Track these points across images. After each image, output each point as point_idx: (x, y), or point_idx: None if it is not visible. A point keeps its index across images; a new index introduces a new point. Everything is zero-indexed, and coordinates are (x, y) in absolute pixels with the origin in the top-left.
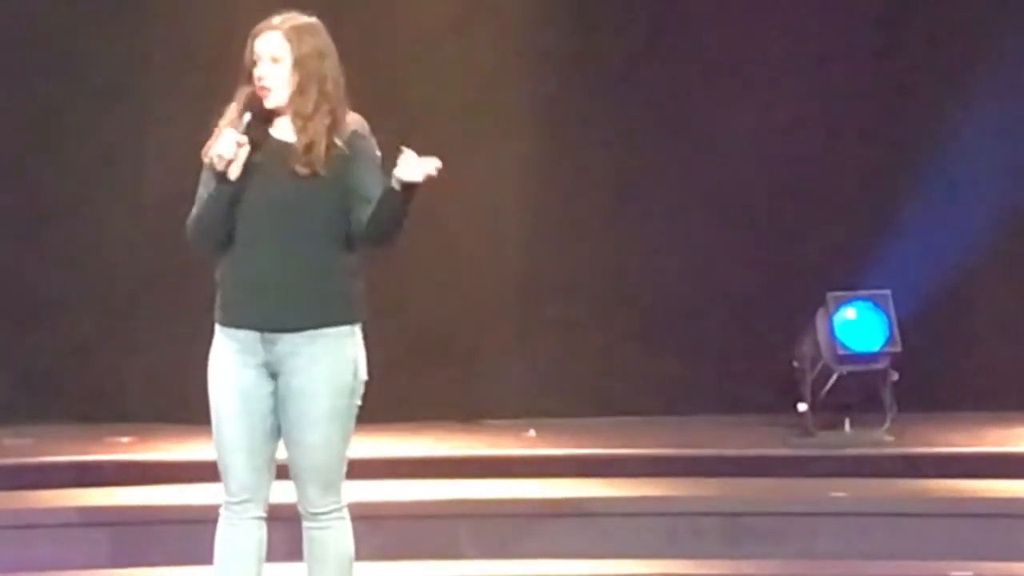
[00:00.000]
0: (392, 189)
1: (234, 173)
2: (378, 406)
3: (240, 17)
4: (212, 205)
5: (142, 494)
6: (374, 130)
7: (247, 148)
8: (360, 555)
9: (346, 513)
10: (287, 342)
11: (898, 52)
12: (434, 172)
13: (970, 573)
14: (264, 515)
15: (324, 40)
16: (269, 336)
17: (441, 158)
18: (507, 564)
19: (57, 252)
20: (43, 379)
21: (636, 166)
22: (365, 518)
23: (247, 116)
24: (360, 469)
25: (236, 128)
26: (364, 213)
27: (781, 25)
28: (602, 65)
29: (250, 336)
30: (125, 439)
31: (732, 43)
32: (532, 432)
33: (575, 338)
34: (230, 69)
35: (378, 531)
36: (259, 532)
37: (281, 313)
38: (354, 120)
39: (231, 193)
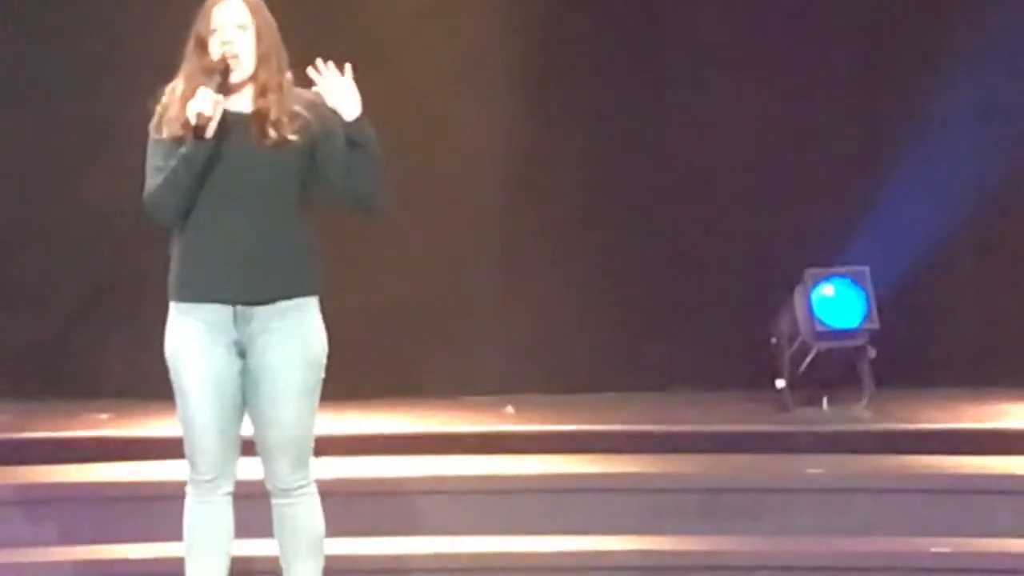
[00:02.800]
0: (349, 130)
1: (210, 132)
2: (355, 382)
3: None
4: (184, 169)
5: (120, 470)
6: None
7: (223, 106)
8: (334, 531)
9: (315, 488)
10: (260, 318)
11: (877, 31)
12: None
13: (948, 549)
14: (232, 491)
15: (268, 9)
16: (242, 311)
17: (422, 130)
18: (483, 541)
19: (34, 228)
20: (21, 355)
21: (616, 142)
22: (340, 494)
23: (218, 77)
24: (336, 445)
25: (209, 87)
26: (339, 176)
27: (761, 5)
28: (583, 39)
29: (220, 312)
30: (103, 415)
31: (714, 20)
32: (510, 408)
33: (554, 314)
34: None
35: (353, 508)
36: (229, 508)
37: (255, 285)
38: (312, 92)
39: (207, 152)
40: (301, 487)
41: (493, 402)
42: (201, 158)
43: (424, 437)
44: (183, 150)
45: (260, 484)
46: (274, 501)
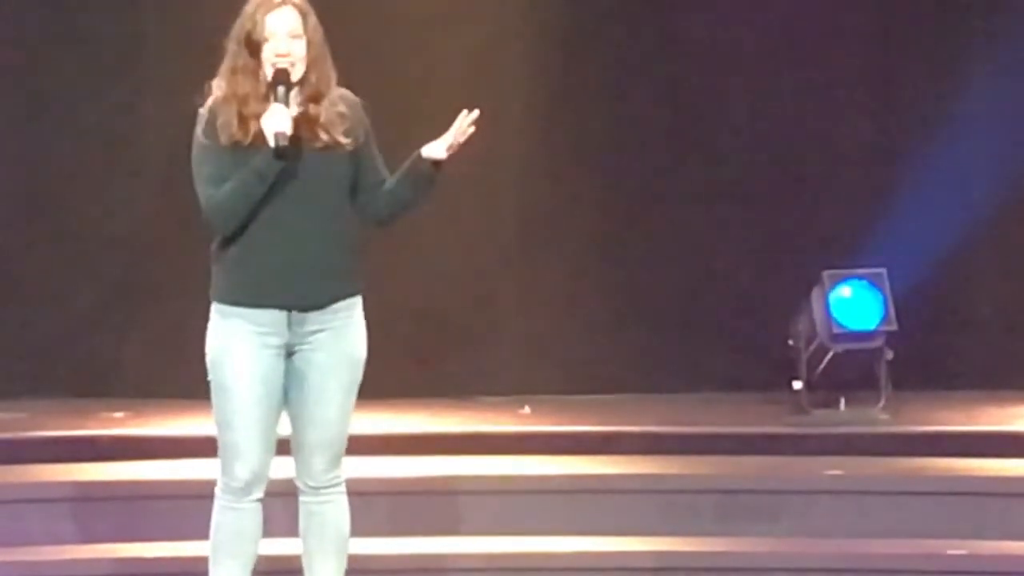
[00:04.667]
0: (423, 167)
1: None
2: (371, 382)
3: None
4: (258, 183)
5: (136, 469)
6: (374, 105)
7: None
8: (352, 531)
9: (344, 488)
10: (314, 320)
11: (895, 32)
12: (462, 139)
13: (964, 551)
14: (262, 497)
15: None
16: (297, 316)
17: (439, 128)
18: (500, 541)
19: (52, 227)
20: (37, 354)
21: (632, 144)
22: (358, 494)
23: (281, 89)
24: (353, 445)
25: (282, 103)
26: (376, 190)
27: (779, 6)
28: (597, 42)
29: (276, 317)
30: (119, 414)
31: (730, 22)
32: (527, 409)
33: (571, 315)
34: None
35: (371, 508)
36: (258, 515)
37: (311, 290)
38: (342, 88)
39: (276, 168)
40: (333, 486)
41: (509, 403)
42: (272, 176)
43: (440, 437)
44: (257, 164)
45: (285, 483)
46: (303, 499)
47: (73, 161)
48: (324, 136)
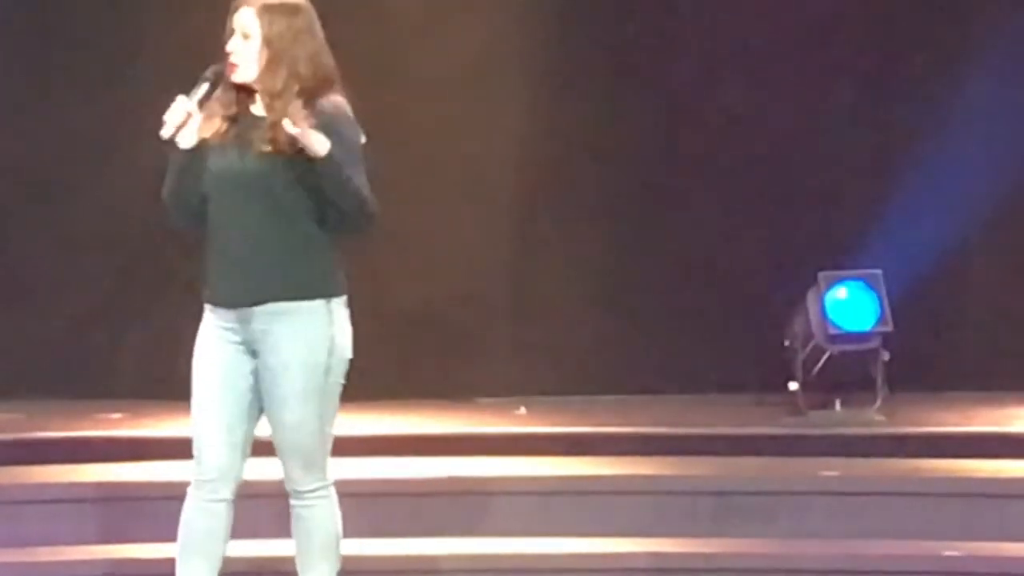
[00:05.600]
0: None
1: (186, 141)
2: (367, 383)
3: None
4: (169, 174)
5: (132, 470)
6: (372, 106)
7: (198, 117)
8: (348, 532)
9: (332, 491)
10: (259, 319)
11: (890, 32)
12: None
13: (959, 553)
14: (232, 498)
15: (303, 21)
16: (242, 313)
17: (435, 136)
18: (495, 542)
19: (48, 228)
20: (34, 355)
21: (629, 144)
22: (353, 495)
23: (204, 86)
24: (348, 446)
25: (191, 96)
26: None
27: (776, 8)
28: (596, 42)
29: (227, 314)
30: (116, 415)
31: (725, 18)
32: (522, 410)
33: (566, 317)
34: (224, 51)
35: (366, 509)
36: (228, 515)
37: (249, 289)
38: (333, 103)
39: (182, 161)
40: (315, 490)
41: (505, 404)
42: (177, 167)
43: (435, 438)
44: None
45: (280, 484)
46: (291, 502)
47: (71, 162)
48: (264, 141)
